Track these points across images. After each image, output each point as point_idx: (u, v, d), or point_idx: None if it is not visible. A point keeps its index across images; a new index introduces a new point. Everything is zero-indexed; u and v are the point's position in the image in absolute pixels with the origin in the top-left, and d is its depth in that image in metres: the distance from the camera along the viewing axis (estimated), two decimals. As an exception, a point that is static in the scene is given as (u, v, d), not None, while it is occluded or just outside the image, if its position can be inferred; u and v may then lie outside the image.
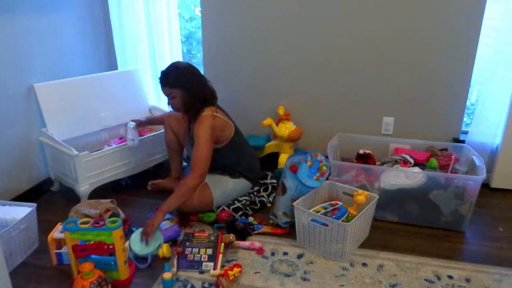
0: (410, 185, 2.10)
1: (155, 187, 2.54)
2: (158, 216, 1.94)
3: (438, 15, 2.39)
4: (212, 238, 1.90)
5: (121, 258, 1.67)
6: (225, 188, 2.22)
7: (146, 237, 1.88)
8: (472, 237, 2.07)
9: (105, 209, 2.01)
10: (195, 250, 1.87)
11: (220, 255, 1.84)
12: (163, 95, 2.18)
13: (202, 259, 1.83)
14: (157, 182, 2.54)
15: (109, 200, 2.11)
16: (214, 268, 1.79)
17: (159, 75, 2.15)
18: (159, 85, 2.15)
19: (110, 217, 2.00)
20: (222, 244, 1.89)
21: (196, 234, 1.96)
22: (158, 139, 2.63)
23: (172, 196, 2.02)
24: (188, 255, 1.85)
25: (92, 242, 1.66)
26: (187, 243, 1.90)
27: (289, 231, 2.09)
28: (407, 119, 2.65)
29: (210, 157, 2.08)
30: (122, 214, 2.13)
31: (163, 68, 2.15)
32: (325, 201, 2.14)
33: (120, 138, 2.68)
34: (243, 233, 2.04)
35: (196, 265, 1.81)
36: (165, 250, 1.90)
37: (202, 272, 1.80)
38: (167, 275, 1.71)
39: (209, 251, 1.85)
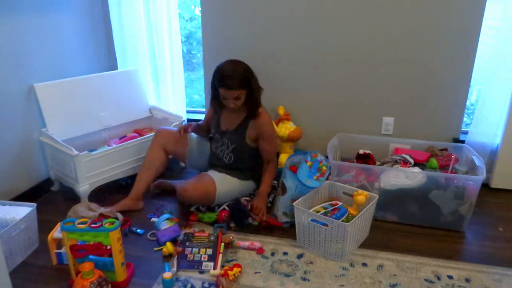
0: (410, 185, 2.10)
1: (157, 187, 2.54)
2: (263, 199, 2.18)
3: (438, 15, 2.39)
4: (212, 238, 1.91)
5: (118, 259, 1.67)
6: (230, 188, 2.22)
7: (261, 218, 2.10)
8: (472, 237, 2.07)
9: (101, 214, 2.01)
10: (195, 250, 1.87)
11: (220, 255, 1.84)
12: (220, 97, 2.12)
13: (202, 259, 1.83)
14: (158, 183, 2.53)
15: (108, 208, 2.11)
16: (214, 268, 1.79)
17: (218, 76, 2.08)
18: (222, 88, 2.06)
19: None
20: (222, 244, 1.89)
21: (196, 234, 1.96)
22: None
23: (265, 181, 2.25)
24: (188, 255, 1.85)
25: (91, 243, 1.66)
26: (187, 243, 1.91)
27: (282, 225, 2.12)
28: (407, 119, 2.65)
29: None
30: (120, 217, 2.12)
31: (226, 72, 2.05)
32: (325, 201, 2.14)
33: (120, 138, 2.68)
34: (242, 214, 2.09)
35: (196, 265, 1.81)
36: (169, 246, 1.90)
37: (202, 272, 1.80)
38: (167, 275, 1.71)
39: (209, 251, 1.85)
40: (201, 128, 2.44)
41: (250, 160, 2.28)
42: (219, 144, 2.31)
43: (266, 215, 2.13)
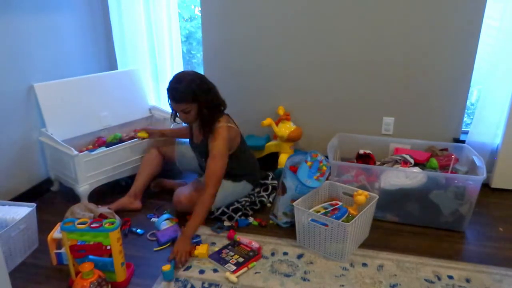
0: (410, 185, 2.10)
1: (157, 185, 2.54)
2: (186, 242, 1.88)
3: (439, 15, 2.39)
4: (251, 253, 1.91)
5: (118, 259, 1.67)
6: (226, 191, 2.20)
7: (182, 263, 1.84)
8: (472, 237, 2.07)
9: (101, 214, 2.01)
10: (231, 253, 1.91)
11: (246, 268, 1.83)
12: (173, 109, 2.09)
13: (230, 261, 1.85)
14: (158, 182, 2.54)
15: (106, 207, 2.12)
16: (234, 272, 1.78)
17: (167, 87, 2.03)
18: (169, 100, 2.04)
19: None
20: (254, 263, 1.86)
21: (242, 245, 1.97)
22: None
23: (192, 220, 1.92)
24: (223, 253, 1.91)
25: (91, 243, 1.66)
26: (229, 247, 1.96)
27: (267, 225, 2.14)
28: (407, 119, 2.65)
29: (224, 171, 2.03)
30: (118, 219, 2.12)
31: (171, 84, 2.01)
32: (325, 201, 2.14)
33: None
34: None
35: (222, 261, 1.85)
36: (204, 250, 1.91)
37: (202, 272, 1.80)
38: (166, 267, 1.73)
39: (240, 259, 1.87)
40: (167, 134, 2.48)
41: (229, 167, 2.09)
42: (197, 157, 2.33)
43: (188, 256, 1.88)
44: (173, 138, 2.49)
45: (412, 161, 2.30)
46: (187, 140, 2.52)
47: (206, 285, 1.73)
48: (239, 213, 2.20)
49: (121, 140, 2.56)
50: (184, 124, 2.35)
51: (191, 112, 2.03)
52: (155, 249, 1.97)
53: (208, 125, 2.08)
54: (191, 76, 2.02)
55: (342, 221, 1.84)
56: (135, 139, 2.50)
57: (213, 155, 2.03)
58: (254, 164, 2.36)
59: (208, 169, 2.01)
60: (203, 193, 1.98)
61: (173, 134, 2.50)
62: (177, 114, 2.13)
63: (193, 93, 1.98)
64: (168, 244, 1.99)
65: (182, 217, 2.20)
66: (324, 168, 2.07)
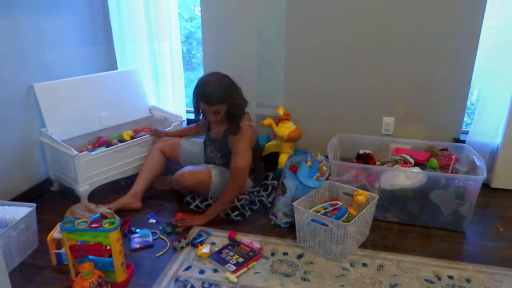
0: (410, 185, 2.10)
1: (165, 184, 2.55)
2: (200, 217, 2.13)
3: (439, 15, 2.39)
4: (251, 253, 1.91)
5: (118, 260, 1.67)
6: (226, 181, 2.23)
7: (180, 224, 2.10)
8: (472, 237, 2.07)
9: (101, 214, 2.01)
10: (231, 253, 1.91)
11: (246, 268, 1.82)
12: (202, 110, 2.20)
13: (230, 261, 1.86)
14: (164, 178, 2.55)
15: (106, 207, 2.12)
16: (234, 272, 1.78)
17: (195, 90, 2.16)
18: (200, 103, 2.14)
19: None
20: (254, 263, 1.87)
21: (242, 245, 1.97)
22: (158, 139, 2.62)
23: (215, 205, 2.17)
24: (223, 253, 1.91)
25: (91, 243, 1.66)
26: (229, 247, 1.95)
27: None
28: (407, 119, 2.65)
29: (248, 168, 2.17)
30: (118, 218, 2.11)
31: (201, 87, 2.13)
32: (325, 201, 2.14)
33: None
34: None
35: (222, 261, 1.86)
36: (207, 250, 1.92)
37: (202, 272, 1.80)
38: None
39: (240, 259, 1.87)
40: (172, 135, 2.58)
41: None
42: (209, 151, 2.39)
43: (183, 224, 2.11)
44: (179, 137, 2.57)
45: (412, 161, 2.30)
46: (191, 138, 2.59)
47: (206, 285, 1.73)
48: (236, 213, 2.20)
49: (121, 140, 2.56)
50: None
51: (222, 112, 2.14)
52: (157, 255, 1.95)
53: (235, 123, 2.19)
54: (218, 78, 2.15)
55: (342, 221, 1.84)
56: (135, 139, 2.50)
57: (236, 152, 2.14)
58: (260, 163, 2.42)
59: (233, 165, 2.15)
60: (227, 189, 2.15)
61: (178, 134, 2.59)
62: (204, 114, 2.24)
63: (223, 94, 2.10)
64: (166, 250, 1.98)
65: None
66: (324, 168, 2.07)
